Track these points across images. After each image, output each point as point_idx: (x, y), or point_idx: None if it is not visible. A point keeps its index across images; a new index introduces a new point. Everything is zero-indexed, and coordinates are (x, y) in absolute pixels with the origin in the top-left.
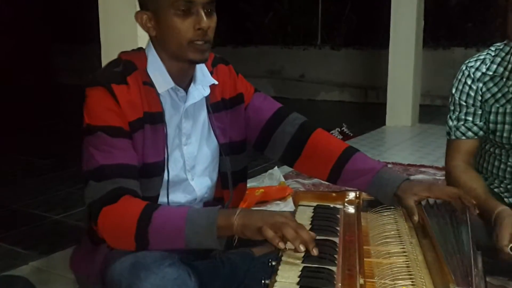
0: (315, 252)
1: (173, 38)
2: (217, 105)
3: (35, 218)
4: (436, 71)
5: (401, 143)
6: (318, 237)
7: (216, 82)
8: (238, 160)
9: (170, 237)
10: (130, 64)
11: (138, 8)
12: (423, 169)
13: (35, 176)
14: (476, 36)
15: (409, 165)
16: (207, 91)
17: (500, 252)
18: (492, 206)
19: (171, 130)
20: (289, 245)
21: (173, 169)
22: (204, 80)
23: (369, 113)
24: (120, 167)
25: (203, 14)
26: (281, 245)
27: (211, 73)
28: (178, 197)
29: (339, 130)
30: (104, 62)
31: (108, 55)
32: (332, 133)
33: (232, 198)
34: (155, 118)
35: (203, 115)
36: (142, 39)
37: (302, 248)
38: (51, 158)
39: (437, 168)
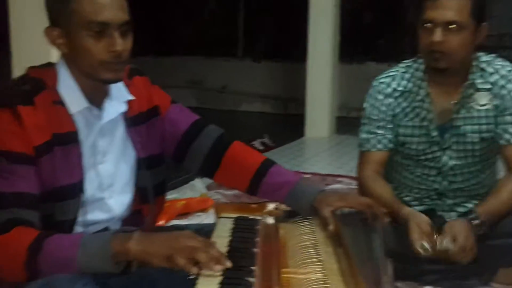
0: (228, 264)
1: (85, 58)
2: (135, 119)
3: None
4: (351, 84)
5: (320, 154)
6: (237, 249)
7: (132, 98)
8: (157, 173)
9: (63, 264)
10: (39, 82)
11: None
12: (339, 179)
13: None
14: (387, 52)
15: (326, 175)
16: (123, 108)
17: (412, 246)
18: (398, 208)
19: (86, 149)
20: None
21: (89, 189)
22: (120, 96)
23: (289, 124)
24: (18, 196)
25: (117, 36)
26: (195, 270)
27: (127, 86)
28: (96, 216)
29: (260, 141)
30: (16, 71)
31: (20, 63)
32: (253, 144)
33: (153, 212)
34: (66, 139)
35: (121, 130)
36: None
37: (217, 267)
38: None
39: (352, 177)
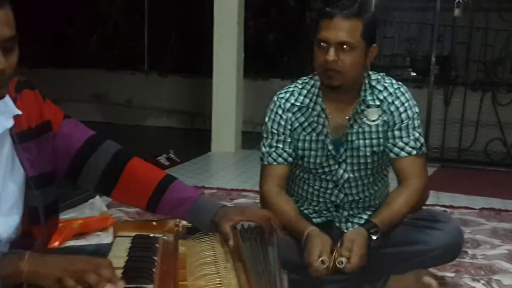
0: (121, 285)
1: None
2: (23, 135)
3: None
4: (257, 100)
5: (226, 168)
6: (134, 269)
7: (20, 113)
8: (49, 192)
9: None
10: None
11: None
12: (244, 193)
13: None
14: (291, 69)
15: (232, 189)
16: (9, 123)
17: (310, 268)
18: (302, 227)
19: None
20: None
21: None
22: (6, 111)
23: (196, 139)
24: None
25: None
26: None
27: (15, 100)
28: None
29: (166, 156)
30: None
31: None
32: (159, 159)
33: (45, 233)
34: None
35: (7, 147)
36: None
37: (108, 287)
38: None
39: (257, 192)
